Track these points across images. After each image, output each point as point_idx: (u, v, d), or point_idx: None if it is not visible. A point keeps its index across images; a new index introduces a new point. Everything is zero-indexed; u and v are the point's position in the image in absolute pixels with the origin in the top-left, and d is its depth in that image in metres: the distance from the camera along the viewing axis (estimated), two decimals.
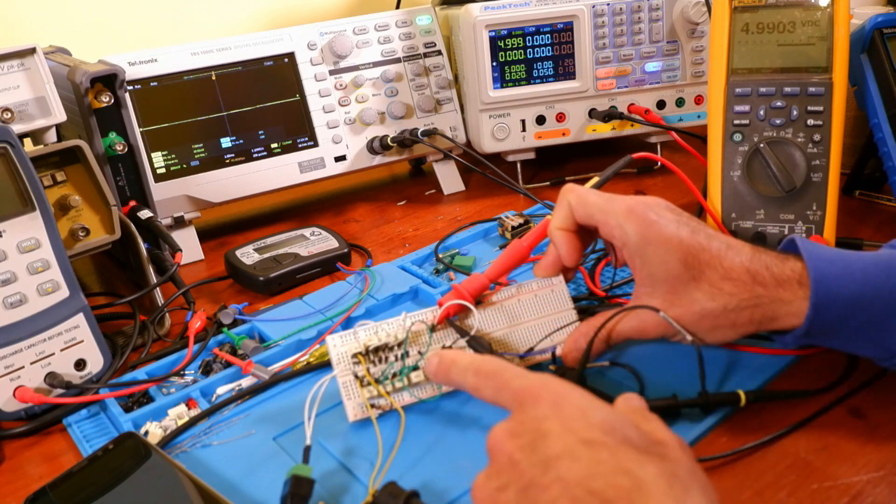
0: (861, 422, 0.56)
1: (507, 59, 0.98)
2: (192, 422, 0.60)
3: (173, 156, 0.92)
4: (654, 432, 0.43)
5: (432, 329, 0.60)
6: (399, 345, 0.59)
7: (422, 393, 0.59)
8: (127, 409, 0.63)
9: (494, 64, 0.98)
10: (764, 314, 0.54)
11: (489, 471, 0.44)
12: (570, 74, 1.00)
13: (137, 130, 0.88)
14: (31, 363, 0.63)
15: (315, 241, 0.87)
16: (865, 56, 0.78)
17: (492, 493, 0.42)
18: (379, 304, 0.75)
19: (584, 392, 0.44)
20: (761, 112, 0.72)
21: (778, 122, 0.72)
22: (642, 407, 0.47)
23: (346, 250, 0.86)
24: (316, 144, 0.98)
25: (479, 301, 0.63)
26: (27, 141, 0.77)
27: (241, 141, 0.95)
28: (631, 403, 0.47)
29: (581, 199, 0.60)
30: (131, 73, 0.89)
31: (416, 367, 0.59)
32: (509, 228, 0.87)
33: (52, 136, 0.77)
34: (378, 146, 1.00)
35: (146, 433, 0.59)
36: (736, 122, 0.73)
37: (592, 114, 1.01)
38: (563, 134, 1.02)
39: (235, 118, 0.95)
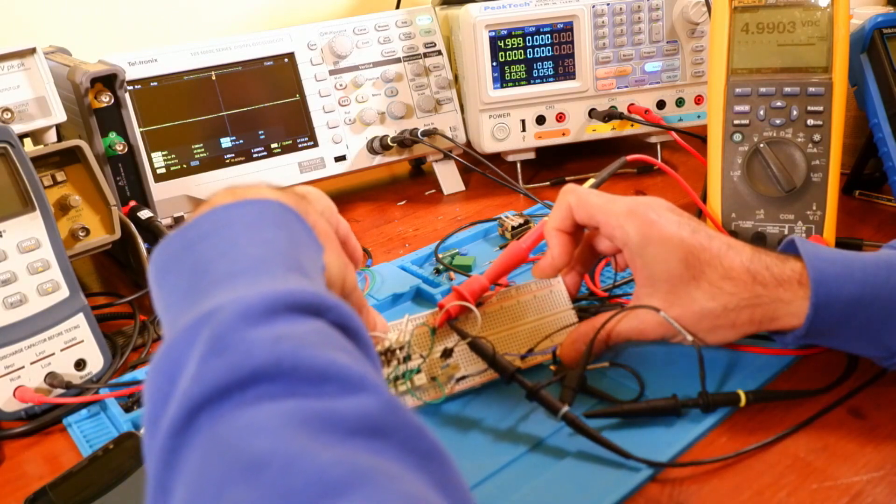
0: (861, 422, 0.56)
1: (507, 59, 0.98)
2: None
3: (173, 156, 0.92)
4: None
5: (434, 331, 0.60)
6: (401, 348, 0.59)
7: (425, 395, 0.59)
8: (127, 409, 0.63)
9: (494, 64, 0.98)
10: (764, 314, 0.54)
11: None
12: (570, 74, 1.00)
13: (137, 130, 0.88)
14: (31, 363, 0.63)
15: None
16: (865, 56, 0.78)
17: None
18: (379, 304, 0.75)
19: None
20: (761, 112, 0.72)
21: (778, 122, 0.72)
22: None
23: None
24: (316, 144, 0.98)
25: (479, 303, 0.63)
26: (27, 141, 0.76)
27: (241, 141, 0.95)
28: None
29: (582, 199, 0.60)
30: (131, 73, 0.89)
31: (418, 370, 0.59)
32: (509, 228, 0.87)
33: (52, 136, 0.77)
34: (378, 146, 1.00)
35: None
36: (736, 122, 0.73)
37: (592, 114, 1.01)
38: (563, 134, 1.02)
39: (235, 118, 0.95)
